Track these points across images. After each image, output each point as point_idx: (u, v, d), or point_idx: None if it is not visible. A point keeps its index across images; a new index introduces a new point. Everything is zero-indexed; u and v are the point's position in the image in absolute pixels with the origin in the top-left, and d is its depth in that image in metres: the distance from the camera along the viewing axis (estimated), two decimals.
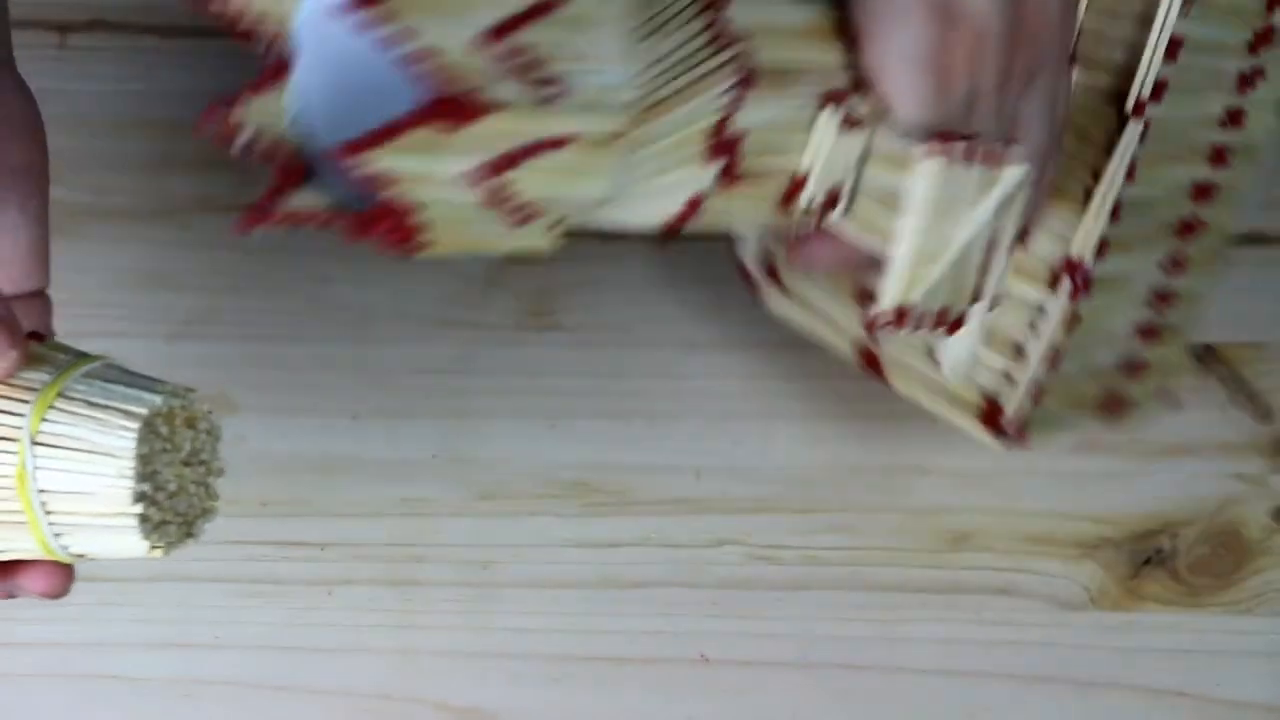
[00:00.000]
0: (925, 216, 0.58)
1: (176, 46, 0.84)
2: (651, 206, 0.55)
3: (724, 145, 0.55)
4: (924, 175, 0.57)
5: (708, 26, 0.54)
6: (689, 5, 0.54)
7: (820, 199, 0.58)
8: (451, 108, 0.47)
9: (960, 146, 0.58)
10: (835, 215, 0.59)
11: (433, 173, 0.48)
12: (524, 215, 0.50)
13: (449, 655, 0.71)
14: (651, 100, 0.52)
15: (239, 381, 0.76)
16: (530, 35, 0.49)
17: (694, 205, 0.55)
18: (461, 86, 0.47)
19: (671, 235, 0.56)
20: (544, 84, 0.49)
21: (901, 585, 0.72)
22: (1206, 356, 0.78)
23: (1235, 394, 0.77)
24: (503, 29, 0.48)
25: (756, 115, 0.55)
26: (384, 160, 0.47)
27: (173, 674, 0.70)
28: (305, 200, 0.49)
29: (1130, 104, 0.64)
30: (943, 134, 0.58)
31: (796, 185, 0.58)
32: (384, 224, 0.48)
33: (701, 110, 0.54)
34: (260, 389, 0.76)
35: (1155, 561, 0.73)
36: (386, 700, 0.70)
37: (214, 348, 0.77)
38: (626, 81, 0.51)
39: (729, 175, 0.55)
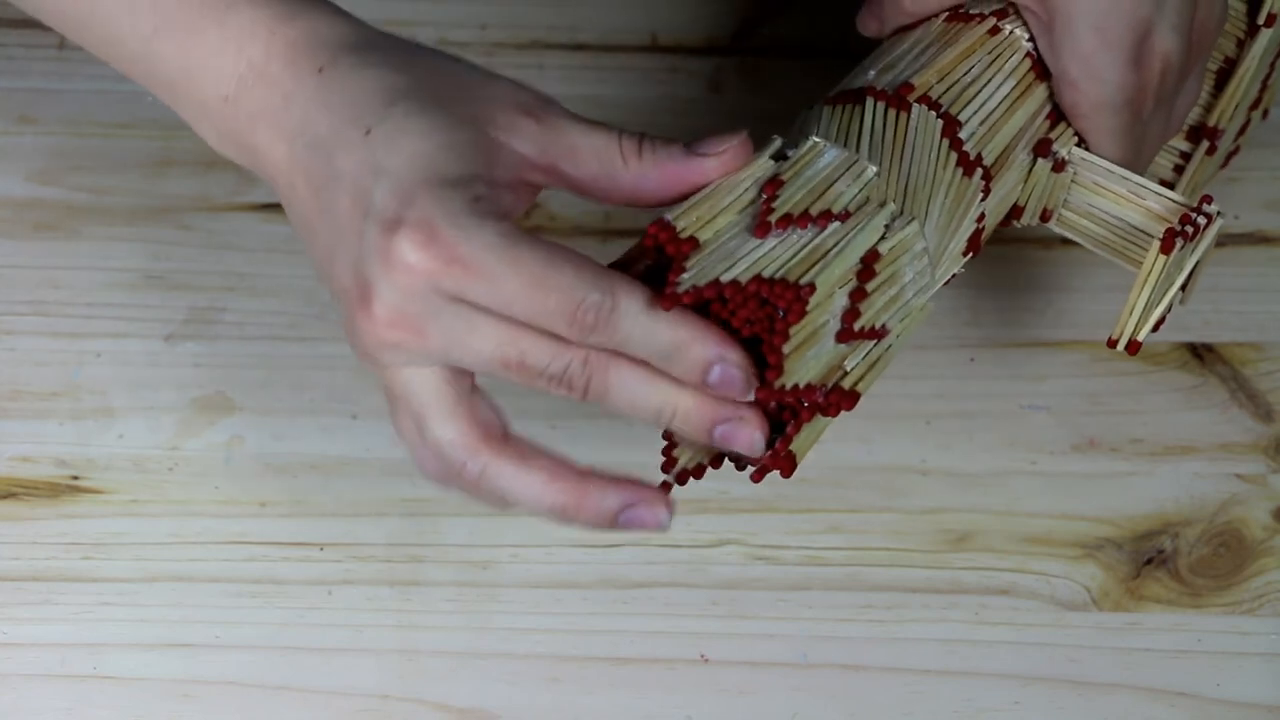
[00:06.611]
0: (1153, 284, 0.65)
1: None
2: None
3: (977, 235, 0.65)
4: (1154, 265, 0.65)
5: (958, 163, 0.63)
6: (940, 156, 0.62)
7: (1035, 221, 0.69)
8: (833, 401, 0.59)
9: (1184, 236, 0.64)
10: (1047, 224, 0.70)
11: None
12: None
13: (449, 655, 0.71)
14: (940, 248, 0.63)
15: (239, 381, 0.76)
16: (866, 318, 0.59)
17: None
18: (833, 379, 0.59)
19: None
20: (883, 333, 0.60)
21: (901, 585, 0.72)
22: (1207, 356, 0.78)
23: (1235, 394, 0.77)
24: (847, 334, 0.58)
25: (995, 197, 0.65)
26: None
27: (172, 674, 0.70)
28: None
29: (1262, 17, 0.71)
30: (1170, 231, 0.63)
31: (1016, 213, 0.68)
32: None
33: (968, 227, 0.64)
34: (260, 389, 0.76)
35: (1156, 562, 0.73)
36: (386, 700, 0.70)
37: (214, 348, 0.77)
38: (928, 265, 0.61)
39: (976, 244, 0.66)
